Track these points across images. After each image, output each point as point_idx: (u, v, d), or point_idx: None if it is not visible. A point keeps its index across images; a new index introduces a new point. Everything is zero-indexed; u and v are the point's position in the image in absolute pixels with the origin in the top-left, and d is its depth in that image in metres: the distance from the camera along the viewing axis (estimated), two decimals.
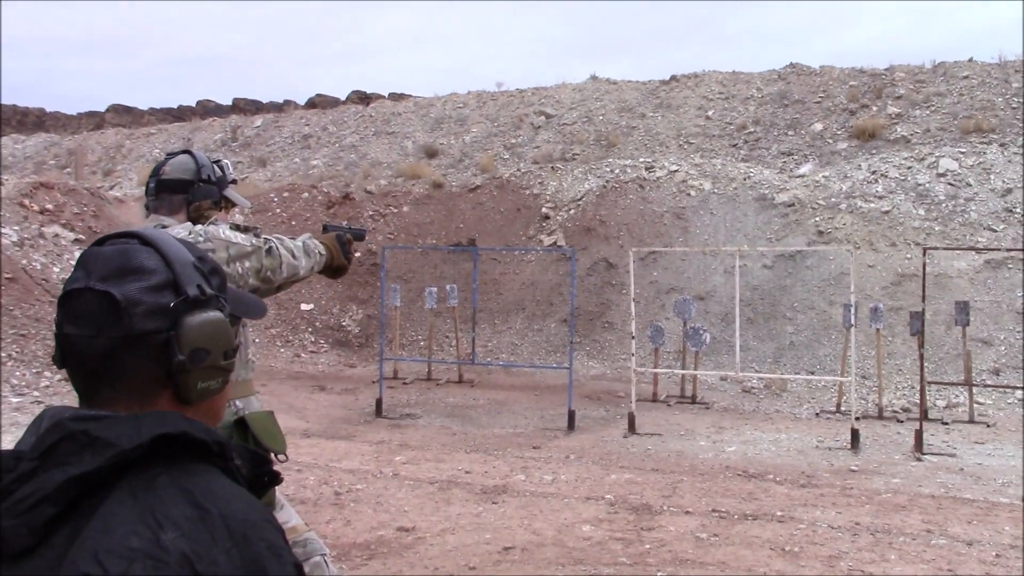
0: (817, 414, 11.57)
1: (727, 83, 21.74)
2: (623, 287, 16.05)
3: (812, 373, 13.45)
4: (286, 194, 19.16)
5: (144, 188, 3.04)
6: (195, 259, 1.23)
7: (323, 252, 3.20)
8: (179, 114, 40.03)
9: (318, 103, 34.03)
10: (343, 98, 35.60)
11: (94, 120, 40.85)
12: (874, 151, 18.20)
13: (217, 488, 1.11)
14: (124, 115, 40.97)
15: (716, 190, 17.13)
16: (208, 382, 1.22)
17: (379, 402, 11.11)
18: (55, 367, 1.15)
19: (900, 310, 14.02)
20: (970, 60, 20.27)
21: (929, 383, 10.61)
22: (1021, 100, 18.31)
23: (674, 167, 18.00)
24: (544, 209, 18.19)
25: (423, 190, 19.49)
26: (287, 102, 36.15)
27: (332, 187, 20.02)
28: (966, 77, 19.63)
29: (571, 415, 10.32)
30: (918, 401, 12.09)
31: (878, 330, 11.50)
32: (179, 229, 2.76)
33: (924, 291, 9.55)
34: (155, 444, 1.08)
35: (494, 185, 19.22)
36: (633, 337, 10.92)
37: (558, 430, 10.25)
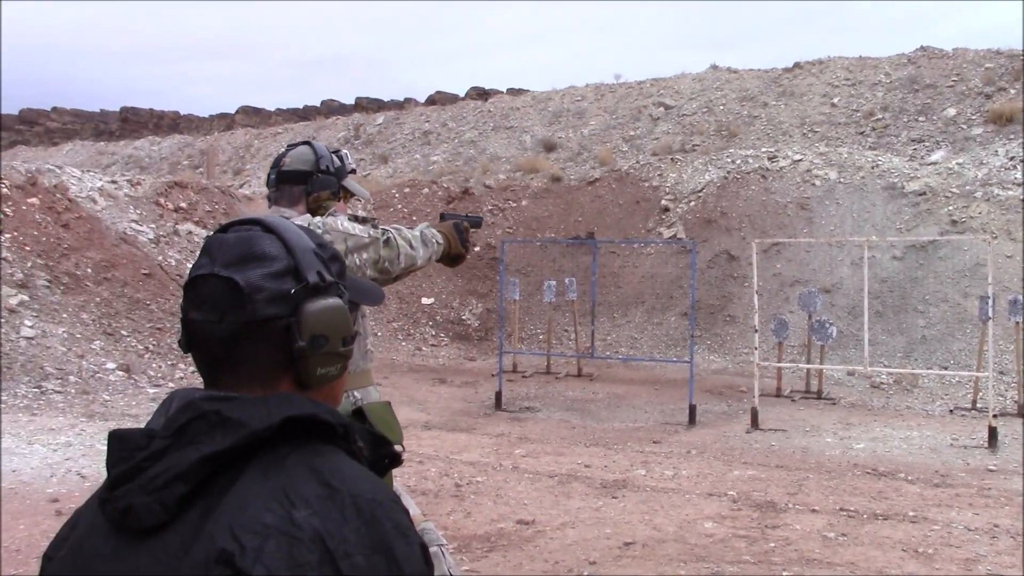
0: (951, 411, 11.11)
1: (853, 69, 21.07)
2: (745, 280, 15.75)
3: (945, 368, 12.93)
4: (407, 190, 19.46)
5: (267, 182, 3.10)
6: (315, 246, 1.24)
7: (440, 241, 3.18)
8: (304, 114, 41.14)
9: (438, 100, 34.46)
10: (462, 95, 35.98)
11: (225, 121, 42.37)
12: (1012, 136, 17.36)
13: (345, 468, 1.13)
14: (253, 116, 42.40)
15: (842, 179, 16.62)
16: (327, 368, 1.22)
17: (499, 395, 11.18)
18: (182, 353, 1.18)
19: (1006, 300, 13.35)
20: None
21: None
22: None
23: (798, 156, 17.55)
24: (664, 201, 17.99)
25: (541, 184, 19.52)
26: (408, 100, 36.70)
27: (452, 182, 20.25)
28: None
29: (692, 410, 10.18)
30: None
31: (1018, 323, 10.96)
32: (298, 220, 2.80)
33: None
34: (284, 425, 1.10)
35: (613, 178, 19.11)
36: (756, 331, 10.69)
37: (679, 424, 10.12)
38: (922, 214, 15.58)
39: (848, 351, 13.39)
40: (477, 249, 18.16)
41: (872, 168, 16.74)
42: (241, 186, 22.68)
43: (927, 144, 18.14)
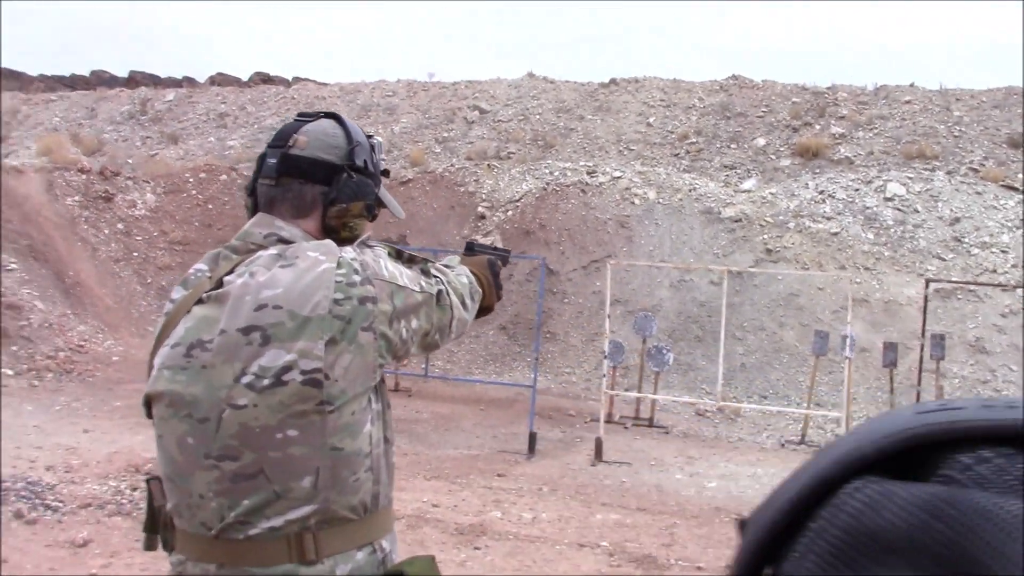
0: (783, 444, 10.98)
1: (668, 90, 21.21)
2: (565, 296, 15.30)
3: (764, 397, 12.93)
4: (203, 175, 17.78)
5: (257, 168, 1.87)
6: None
7: (478, 289, 2.12)
8: (71, 83, 37.70)
9: (219, 82, 32.37)
10: (246, 79, 33.97)
11: None
12: (818, 170, 17.88)
13: None
14: (11, 80, 38.38)
15: (661, 200, 16.51)
16: None
17: None
18: None
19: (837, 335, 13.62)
20: (911, 85, 20.20)
21: None
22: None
23: (617, 173, 17.32)
24: (480, 208, 17.29)
25: None
26: (188, 79, 34.32)
27: (251, 169, 18.70)
28: (908, 102, 19.53)
29: (532, 438, 9.46)
30: None
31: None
32: (314, 251, 1.70)
33: (925, 321, 8.98)
34: None
35: (427, 180, 18.22)
36: (606, 356, 10.14)
37: (518, 454, 9.38)
38: (738, 241, 15.67)
39: (670, 376, 13.14)
40: None
41: (690, 191, 16.73)
42: (7, 156, 20.07)
43: (739, 172, 18.40)
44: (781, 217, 15.93)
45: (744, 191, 17.16)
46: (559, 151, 19.61)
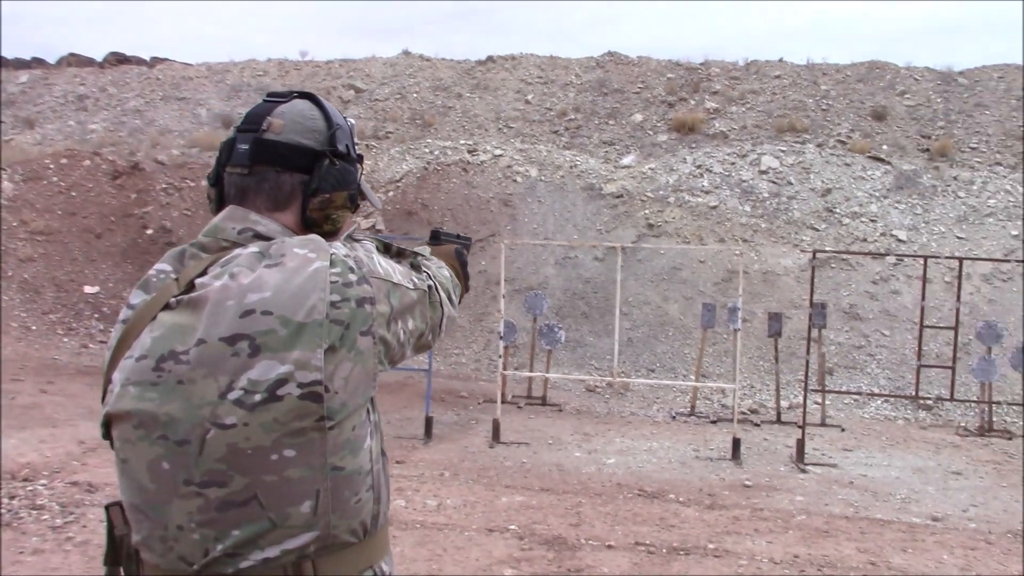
0: (673, 417, 11.13)
1: (545, 67, 21.21)
2: None
3: (652, 371, 13.09)
4: (64, 161, 16.88)
5: (223, 154, 1.65)
6: None
7: (458, 283, 2.03)
8: None
9: (74, 63, 30.80)
10: (100, 59, 32.41)
11: None
12: (694, 145, 18.18)
13: None
14: None
15: (543, 178, 16.52)
16: None
17: None
18: None
19: (724, 307, 13.92)
20: (780, 60, 20.72)
21: (813, 390, 10.32)
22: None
23: (498, 151, 17.24)
24: None
25: None
26: (36, 60, 32.55)
27: (116, 155, 17.88)
28: (778, 76, 20.03)
29: (428, 422, 9.31)
30: (771, 404, 11.95)
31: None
32: (301, 248, 1.51)
33: (813, 291, 9.19)
34: None
35: None
36: (501, 336, 10.03)
37: (414, 439, 9.22)
38: (620, 216, 15.80)
39: (559, 353, 13.16)
40: (150, 232, 16.17)
41: (571, 168, 16.79)
42: None
43: (618, 148, 18.55)
44: (661, 192, 16.14)
45: (624, 167, 17.31)
46: (438, 130, 19.39)
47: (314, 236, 1.55)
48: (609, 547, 6.03)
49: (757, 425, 10.78)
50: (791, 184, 16.15)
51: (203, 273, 1.50)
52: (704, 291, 14.26)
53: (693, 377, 11.93)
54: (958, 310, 9.32)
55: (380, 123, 19.73)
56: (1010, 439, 10.55)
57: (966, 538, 6.60)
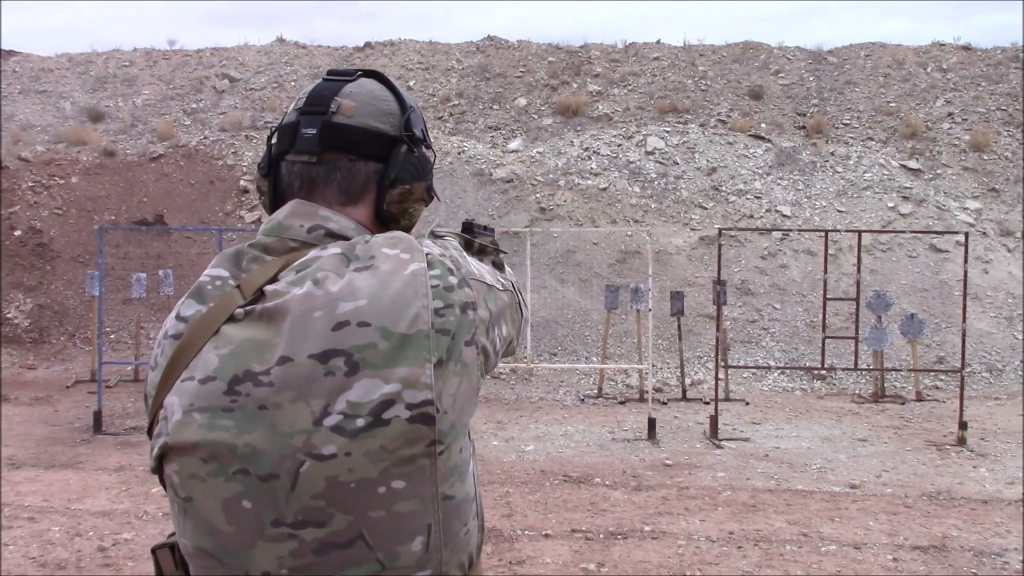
0: (582, 400, 11.14)
1: (425, 53, 20.94)
2: None
3: (554, 355, 13.09)
4: None
5: (287, 139, 1.40)
6: None
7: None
8: None
9: None
10: None
11: None
12: (580, 128, 18.24)
13: None
14: None
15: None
16: None
17: (98, 415, 9.11)
18: None
19: (626, 288, 14.03)
20: (658, 42, 20.97)
21: (725, 366, 10.42)
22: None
23: None
24: (243, 182, 16.41)
25: (93, 158, 16.91)
26: None
27: None
28: (656, 58, 20.27)
29: None
30: (674, 383, 12.08)
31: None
32: (389, 249, 1.29)
33: (720, 268, 9.29)
34: None
35: (180, 154, 17.08)
36: None
37: None
38: (512, 201, 15.74)
39: None
40: (18, 233, 15.30)
41: (459, 154, 16.63)
42: None
43: (504, 132, 18.46)
44: (551, 175, 16.14)
45: (512, 151, 17.24)
46: None
47: (401, 233, 1.35)
48: (546, 536, 5.95)
49: (664, 403, 10.88)
50: (677, 164, 16.37)
51: (273, 279, 1.29)
52: (600, 273, 14.33)
53: (598, 359, 11.97)
54: (859, 282, 9.58)
55: (258, 113, 19.13)
56: (903, 404, 10.94)
57: (886, 504, 6.77)
